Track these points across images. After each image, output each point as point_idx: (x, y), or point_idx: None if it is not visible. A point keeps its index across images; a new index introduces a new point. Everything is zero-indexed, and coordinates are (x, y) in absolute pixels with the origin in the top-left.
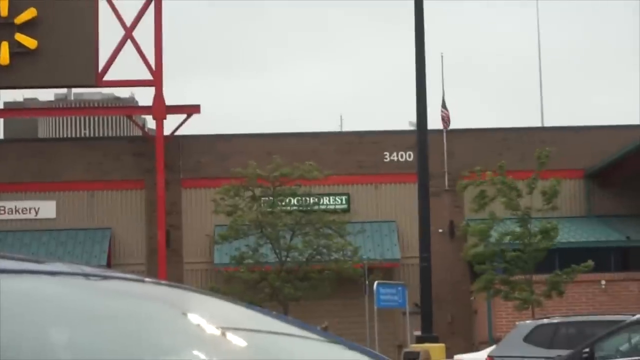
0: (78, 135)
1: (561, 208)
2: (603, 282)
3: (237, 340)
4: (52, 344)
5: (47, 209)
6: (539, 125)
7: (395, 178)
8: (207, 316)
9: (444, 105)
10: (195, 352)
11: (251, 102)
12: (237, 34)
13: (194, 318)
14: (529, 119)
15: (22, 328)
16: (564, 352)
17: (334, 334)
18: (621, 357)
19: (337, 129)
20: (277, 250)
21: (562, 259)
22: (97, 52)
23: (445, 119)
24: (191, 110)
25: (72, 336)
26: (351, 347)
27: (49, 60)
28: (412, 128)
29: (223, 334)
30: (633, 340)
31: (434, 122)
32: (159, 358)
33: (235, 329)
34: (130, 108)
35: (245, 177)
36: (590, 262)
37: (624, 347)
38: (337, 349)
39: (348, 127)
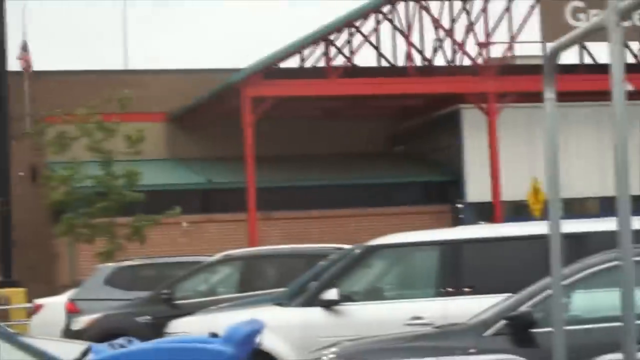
0: None
1: (145, 151)
2: (184, 224)
3: None
4: None
5: None
6: (125, 68)
7: None
8: None
9: (24, 48)
10: None
11: None
12: None
13: None
14: (116, 63)
15: None
16: (144, 294)
17: None
18: (200, 297)
19: None
20: None
21: (147, 203)
22: None
23: (26, 62)
24: None
25: None
26: None
27: None
28: None
29: None
30: (210, 281)
31: (14, 64)
32: None
33: None
34: None
35: None
36: (177, 208)
37: (202, 287)
38: None
39: None
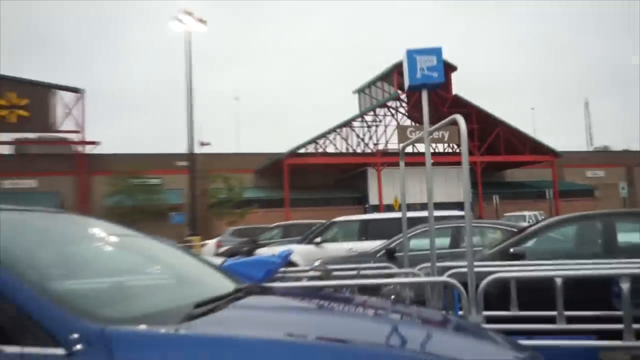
0: None
1: (246, 183)
2: (258, 211)
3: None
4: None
5: None
6: (235, 151)
7: None
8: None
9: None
10: None
11: None
12: None
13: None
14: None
15: None
16: (246, 239)
17: None
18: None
19: None
20: None
21: (246, 204)
22: None
23: (201, 144)
24: None
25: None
26: None
27: None
28: None
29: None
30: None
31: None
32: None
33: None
34: None
35: None
36: (255, 206)
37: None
38: None
39: None
